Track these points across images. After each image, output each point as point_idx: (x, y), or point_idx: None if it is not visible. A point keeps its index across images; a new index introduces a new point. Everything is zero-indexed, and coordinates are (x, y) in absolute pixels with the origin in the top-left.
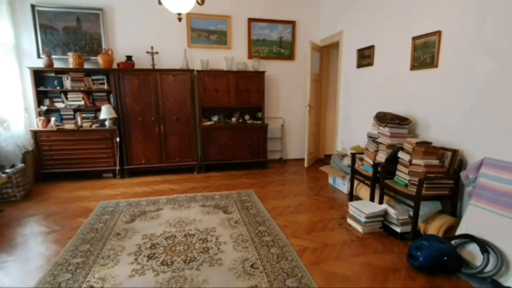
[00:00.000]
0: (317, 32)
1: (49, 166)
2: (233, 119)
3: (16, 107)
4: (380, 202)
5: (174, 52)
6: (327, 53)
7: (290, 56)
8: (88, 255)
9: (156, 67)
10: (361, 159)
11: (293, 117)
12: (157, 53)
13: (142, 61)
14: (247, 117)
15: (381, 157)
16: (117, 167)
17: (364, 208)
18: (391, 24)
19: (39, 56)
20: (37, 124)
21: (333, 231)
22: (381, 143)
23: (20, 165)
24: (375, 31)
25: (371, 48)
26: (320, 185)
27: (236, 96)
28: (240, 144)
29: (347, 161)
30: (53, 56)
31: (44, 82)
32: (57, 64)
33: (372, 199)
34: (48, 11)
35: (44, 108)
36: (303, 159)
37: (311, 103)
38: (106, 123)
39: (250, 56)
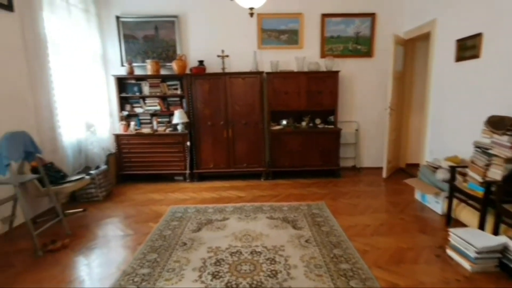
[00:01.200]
0: (400, 23)
1: (128, 168)
2: (303, 123)
3: (102, 113)
4: (495, 232)
5: (244, 55)
6: (412, 47)
7: (368, 53)
8: (154, 266)
9: (226, 70)
10: (464, 174)
11: (369, 120)
12: (227, 56)
13: (213, 65)
14: (318, 121)
15: (496, 173)
16: (187, 171)
17: (473, 239)
18: (510, 4)
19: (122, 64)
20: (119, 128)
21: (429, 264)
22: (496, 156)
23: (103, 167)
24: (484, 16)
25: (477, 37)
26: (404, 201)
27: (307, 98)
28: (310, 150)
29: (442, 174)
30: (134, 64)
31: (126, 89)
32: (137, 71)
33: (482, 226)
34: (130, 21)
35: (125, 113)
36: (380, 168)
37: (392, 105)
38: (179, 127)
39: (322, 55)
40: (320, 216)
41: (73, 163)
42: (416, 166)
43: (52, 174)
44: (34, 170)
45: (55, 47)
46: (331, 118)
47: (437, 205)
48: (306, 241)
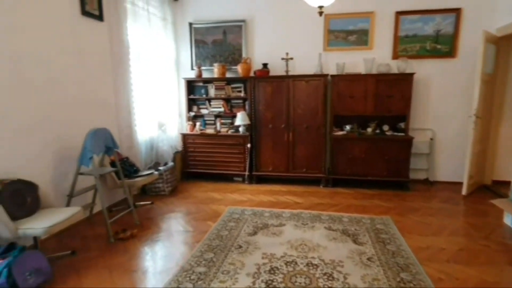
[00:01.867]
0: (492, 19)
1: (192, 166)
2: (369, 130)
3: (172, 113)
4: None
5: (309, 57)
6: (507, 45)
7: (450, 53)
8: (210, 266)
9: (290, 73)
10: None
11: (448, 129)
12: (291, 58)
13: (276, 68)
14: (386, 127)
15: None
16: (247, 173)
17: None
18: None
19: (192, 68)
20: (186, 128)
21: None
22: None
23: (170, 164)
24: None
25: None
26: (489, 225)
27: (375, 102)
28: (375, 159)
29: None
30: (202, 67)
31: (194, 91)
32: (204, 74)
33: None
34: (202, 27)
35: (192, 114)
36: (458, 184)
37: (478, 112)
38: (240, 129)
39: (395, 56)
40: (385, 232)
41: (145, 159)
42: (505, 184)
43: (126, 168)
44: (112, 164)
45: (136, 53)
46: (402, 125)
47: None
48: (369, 259)
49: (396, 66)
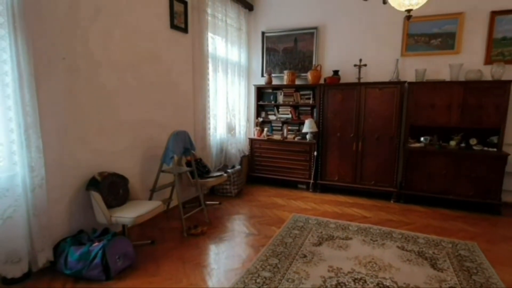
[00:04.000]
0: None
1: (257, 170)
2: (452, 142)
3: (241, 118)
4: None
5: (384, 64)
6: None
7: None
8: (275, 272)
9: (362, 80)
10: None
11: None
12: (365, 65)
13: (348, 75)
14: (473, 141)
15: None
16: (311, 181)
17: None
18: None
19: (262, 75)
20: (254, 133)
21: None
22: None
23: (238, 167)
24: None
25: None
26: None
27: (461, 113)
28: (458, 176)
29: None
30: (272, 75)
31: (263, 97)
32: (274, 81)
33: None
34: (273, 35)
35: (260, 119)
36: None
37: None
38: (307, 136)
39: (487, 61)
40: (471, 260)
41: (215, 161)
42: None
43: (200, 168)
44: (188, 164)
45: (212, 61)
46: (494, 139)
47: None
48: None
49: (489, 73)
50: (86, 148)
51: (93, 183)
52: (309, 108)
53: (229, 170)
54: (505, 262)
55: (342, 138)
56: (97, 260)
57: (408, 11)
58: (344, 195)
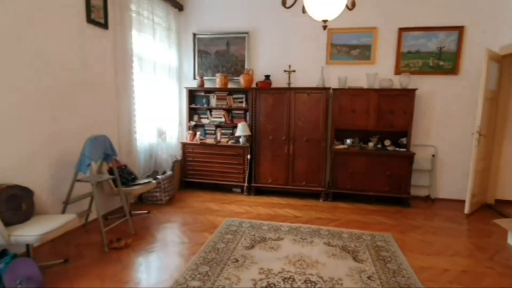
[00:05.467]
0: (495, 37)
1: (190, 175)
2: (370, 144)
3: (172, 122)
4: None
5: (311, 70)
6: (510, 64)
7: (453, 70)
8: (205, 280)
9: (292, 85)
10: None
11: (450, 146)
12: (294, 71)
13: (279, 80)
14: (387, 142)
15: None
16: (246, 184)
17: None
18: None
19: (194, 78)
20: (186, 137)
21: None
22: None
23: (169, 173)
24: None
25: None
26: (493, 246)
27: (377, 117)
28: (376, 174)
29: None
30: (205, 77)
31: (195, 100)
32: (207, 84)
33: None
34: (205, 38)
35: (193, 123)
36: (461, 202)
37: (481, 130)
38: (240, 140)
39: (397, 72)
40: (386, 250)
41: (143, 167)
42: (509, 203)
43: (124, 176)
44: (110, 171)
45: (139, 61)
46: (403, 140)
47: None
48: (369, 277)
49: (398, 82)
50: None
51: None
52: (242, 112)
53: (159, 177)
54: (413, 249)
55: (274, 141)
56: None
57: (324, 21)
58: (278, 197)
